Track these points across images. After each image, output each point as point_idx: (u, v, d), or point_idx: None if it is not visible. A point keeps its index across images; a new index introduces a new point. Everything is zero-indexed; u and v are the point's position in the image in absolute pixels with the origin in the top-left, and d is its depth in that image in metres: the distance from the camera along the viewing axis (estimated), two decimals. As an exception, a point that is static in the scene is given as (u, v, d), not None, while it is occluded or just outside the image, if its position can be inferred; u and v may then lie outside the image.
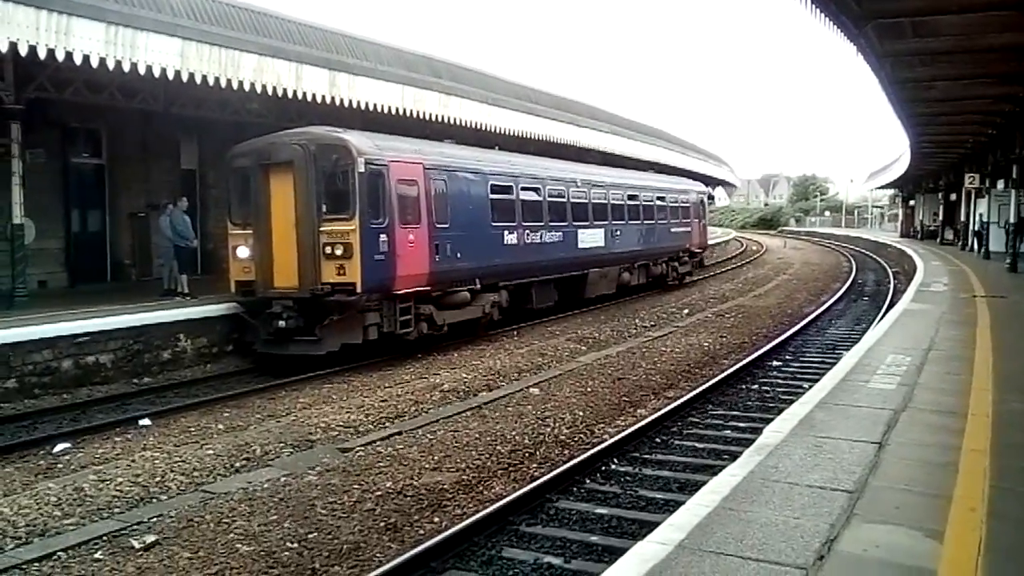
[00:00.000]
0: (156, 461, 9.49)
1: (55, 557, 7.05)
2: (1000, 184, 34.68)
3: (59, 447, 10.41)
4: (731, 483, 6.13)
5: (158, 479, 8.92)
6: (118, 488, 8.61)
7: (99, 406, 12.85)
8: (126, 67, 14.37)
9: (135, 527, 7.65)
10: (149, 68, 14.72)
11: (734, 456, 7.43)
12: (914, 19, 16.06)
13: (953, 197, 48.74)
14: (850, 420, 7.97)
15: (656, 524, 5.72)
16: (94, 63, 13.90)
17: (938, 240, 50.44)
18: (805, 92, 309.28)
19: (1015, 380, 10.00)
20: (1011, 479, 6.30)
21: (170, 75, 15.14)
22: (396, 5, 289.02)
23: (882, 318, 18.45)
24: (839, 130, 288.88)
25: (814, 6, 12.78)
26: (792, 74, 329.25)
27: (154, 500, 8.43)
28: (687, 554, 4.88)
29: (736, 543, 5.02)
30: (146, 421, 11.67)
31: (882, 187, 76.10)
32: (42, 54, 13.21)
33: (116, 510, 8.12)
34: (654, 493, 8.64)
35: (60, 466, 9.70)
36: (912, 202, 67.01)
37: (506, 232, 19.29)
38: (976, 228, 38.07)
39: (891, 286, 29.40)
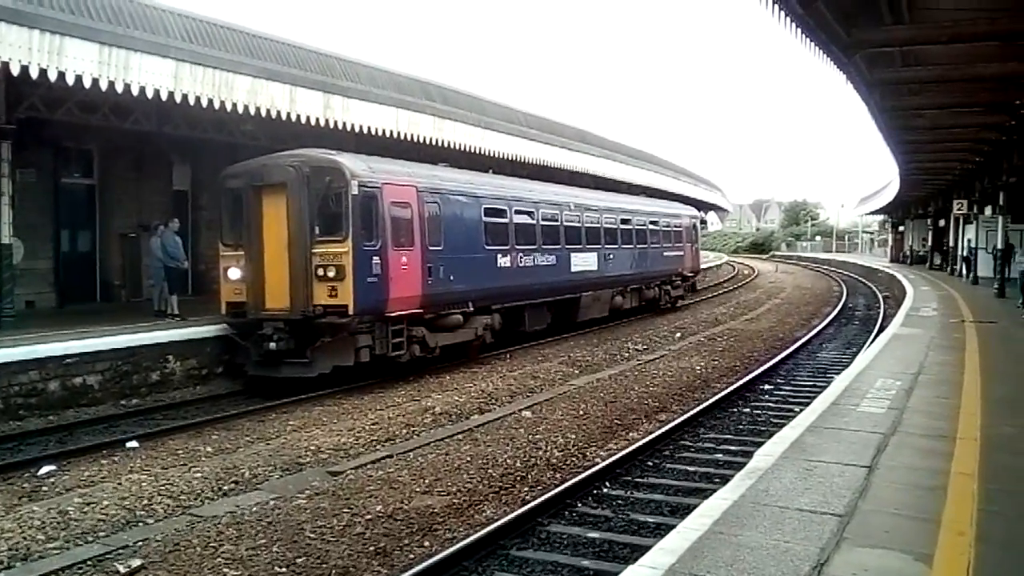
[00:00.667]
0: (143, 484, 9.41)
1: (39, 581, 6.99)
2: (988, 210, 34.91)
3: (44, 469, 10.32)
4: (722, 507, 6.12)
5: (144, 502, 8.85)
6: (104, 511, 8.54)
7: (86, 428, 12.76)
8: (119, 88, 14.38)
9: (120, 551, 7.58)
10: (142, 89, 14.72)
11: (725, 479, 7.43)
12: (903, 48, 16.21)
13: (942, 223, 49.01)
14: (840, 444, 7.97)
15: (647, 548, 5.70)
16: (87, 83, 13.91)
17: (927, 265, 50.69)
18: (796, 118, 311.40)
19: (1003, 404, 10.04)
20: (999, 503, 6.31)
21: (163, 96, 15.14)
22: (388, 27, 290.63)
23: (872, 342, 18.49)
24: (830, 156, 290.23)
25: (804, 35, 12.88)
26: (784, 100, 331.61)
27: (140, 523, 8.37)
28: (677, 578, 4.86)
29: (727, 567, 5.01)
30: (133, 443, 11.59)
31: (872, 213, 76.58)
32: (34, 74, 13.20)
33: (101, 534, 8.05)
34: (646, 517, 8.61)
35: (45, 489, 9.61)
36: (901, 228, 67.42)
37: (499, 255, 19.31)
38: (964, 254, 38.28)
39: (881, 310, 29.50)
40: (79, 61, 13.66)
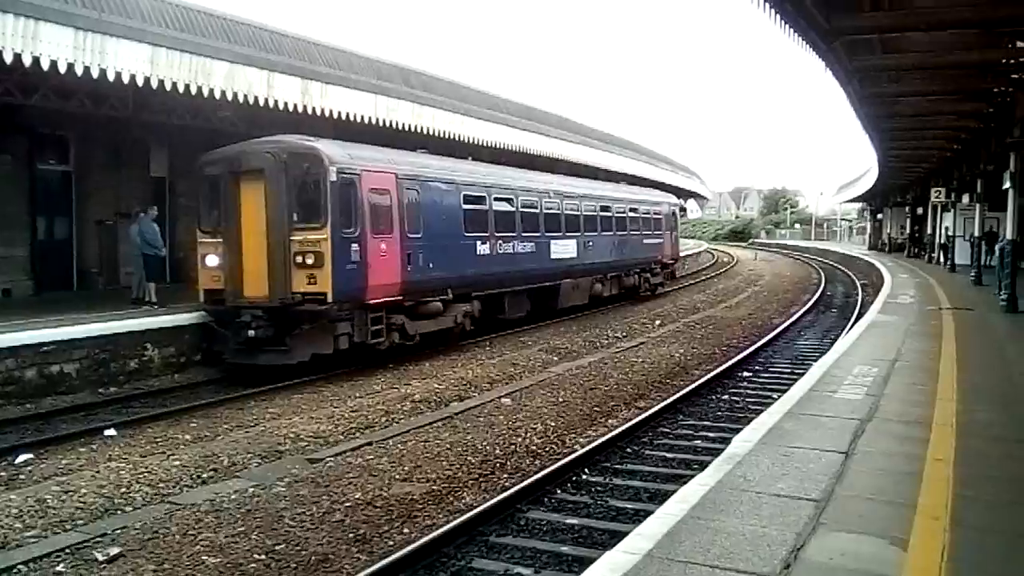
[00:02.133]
0: (121, 472, 9.37)
1: (15, 570, 6.95)
2: (965, 198, 35.17)
3: (21, 458, 10.24)
4: (700, 492, 6.16)
5: (123, 490, 8.81)
6: (82, 499, 8.50)
7: (63, 416, 12.65)
8: (95, 73, 14.21)
9: (99, 539, 7.54)
10: (118, 74, 14.56)
11: (704, 466, 7.47)
12: (882, 36, 16.25)
13: (920, 211, 49.37)
14: (818, 430, 8.03)
15: (626, 534, 5.73)
16: (62, 69, 13.74)
17: (905, 253, 51.05)
18: (776, 106, 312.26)
19: (979, 391, 10.15)
20: (974, 487, 6.38)
21: (140, 82, 15.00)
22: (367, 13, 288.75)
23: (850, 329, 18.62)
24: (809, 144, 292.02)
25: (783, 22, 12.86)
26: (763, 88, 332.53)
27: (119, 512, 8.32)
28: (655, 563, 4.90)
29: (704, 552, 5.04)
30: (111, 431, 11.51)
31: (851, 200, 76.94)
32: (8, 59, 13.01)
33: (79, 522, 8.00)
34: (624, 503, 8.65)
35: (22, 477, 9.56)
36: (880, 215, 67.85)
37: (479, 242, 19.30)
38: (942, 242, 38.58)
39: (859, 298, 29.69)
40: (54, 46, 13.48)
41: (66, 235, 21.02)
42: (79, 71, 14.00)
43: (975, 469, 6.86)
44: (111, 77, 14.51)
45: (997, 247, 22.23)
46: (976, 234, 28.90)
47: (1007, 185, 20.69)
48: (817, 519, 5.61)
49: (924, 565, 4.94)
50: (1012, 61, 17.81)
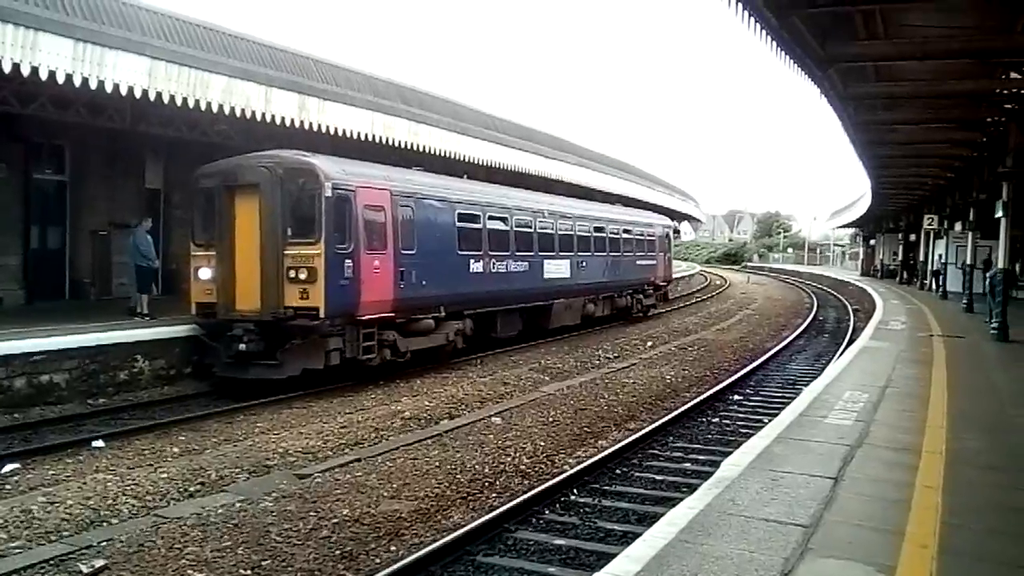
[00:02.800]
0: (108, 484, 9.32)
1: (-1, 581, 6.89)
2: (958, 226, 35.37)
3: (7, 468, 10.17)
4: (688, 516, 6.16)
5: (109, 502, 8.76)
6: (68, 511, 8.43)
7: (51, 426, 12.59)
8: (93, 84, 14.22)
9: (84, 551, 7.49)
10: (116, 86, 14.56)
11: (693, 488, 7.46)
12: (877, 63, 16.42)
13: (912, 237, 49.55)
14: (807, 455, 8.04)
15: (614, 556, 5.72)
16: (60, 79, 13.74)
17: (897, 279, 51.21)
18: (771, 130, 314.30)
19: (969, 418, 10.17)
20: (962, 516, 6.39)
21: (137, 94, 15.00)
22: (362, 28, 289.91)
23: (841, 355, 18.66)
24: (803, 169, 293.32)
25: (779, 49, 12.99)
26: (759, 112, 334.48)
27: (105, 524, 8.27)
28: (642, 586, 4.88)
29: (691, 576, 5.03)
30: (99, 443, 11.45)
31: (844, 226, 77.33)
32: (7, 68, 13.00)
33: (65, 533, 7.95)
34: (613, 524, 8.62)
35: (8, 487, 9.48)
36: (872, 241, 68.12)
37: (472, 260, 19.31)
38: (934, 268, 38.74)
39: (851, 323, 29.77)
40: (53, 56, 13.49)
41: (59, 245, 20.97)
42: (77, 82, 14.01)
43: (964, 497, 6.87)
44: (109, 88, 14.53)
45: (987, 275, 22.30)
46: (968, 262, 28.98)
47: (999, 214, 20.81)
48: (805, 544, 5.60)
49: (911, 593, 4.93)
50: (1005, 91, 18.02)
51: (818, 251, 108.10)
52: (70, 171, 21.05)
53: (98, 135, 19.89)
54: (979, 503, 6.84)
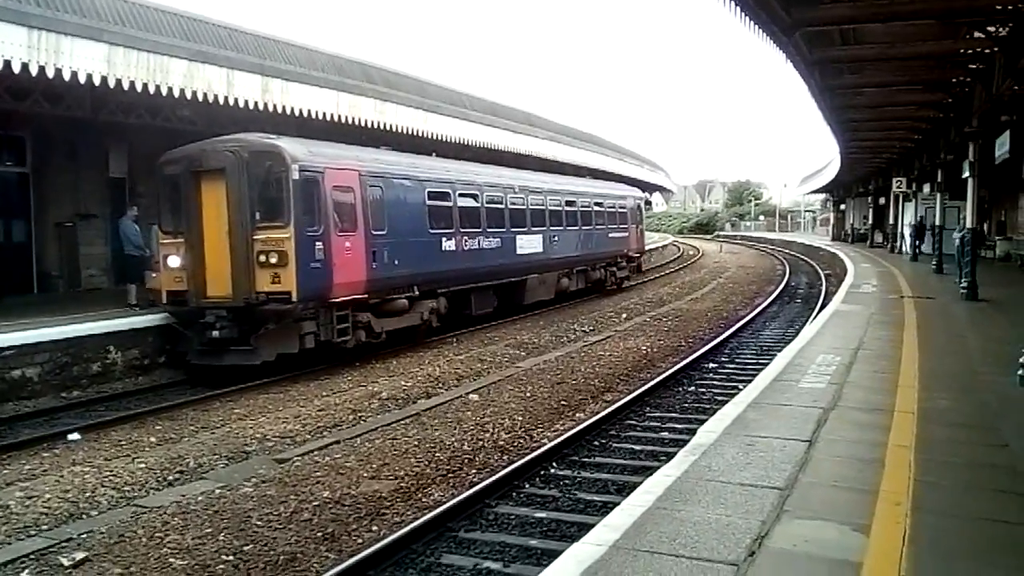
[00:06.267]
0: (86, 476, 9.26)
1: (-22, 577, 6.84)
2: (926, 188, 35.68)
3: (-18, 464, 10.08)
4: (665, 483, 6.21)
5: (88, 494, 8.71)
6: (46, 504, 8.39)
7: (26, 421, 12.47)
8: (50, 73, 13.95)
9: (64, 544, 7.46)
10: (75, 73, 14.30)
11: (670, 456, 7.51)
12: (842, 27, 16.45)
13: (882, 201, 50.01)
14: (781, 419, 8.12)
15: (594, 526, 5.75)
16: (16, 68, 13.47)
17: (868, 243, 51.66)
18: (739, 99, 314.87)
19: (940, 378, 10.30)
20: (934, 473, 6.48)
21: (96, 81, 14.74)
22: (328, 10, 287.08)
23: (814, 319, 18.82)
24: (773, 136, 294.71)
25: (743, 14, 12.97)
26: (726, 82, 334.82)
27: (84, 516, 8.23)
28: (622, 554, 4.92)
29: (669, 542, 5.08)
30: (75, 435, 11.35)
31: (814, 192, 77.80)
32: (-41, 59, 12.80)
33: (44, 527, 7.91)
34: (592, 495, 8.69)
35: (-16, 484, 9.40)
36: (843, 206, 68.68)
37: (444, 239, 19.26)
38: (908, 231, 39.11)
39: (823, 288, 30.02)
40: (7, 45, 13.21)
41: (24, 238, 20.65)
42: (34, 71, 13.72)
43: (936, 455, 6.96)
44: (67, 76, 14.25)
45: (955, 235, 22.51)
46: (937, 223, 29.17)
47: (966, 174, 21.00)
48: (781, 507, 5.67)
49: (885, 549, 5.01)
50: (970, 51, 18.10)
51: (789, 218, 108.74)
52: (31, 162, 20.66)
53: (59, 125, 19.55)
54: (951, 460, 6.94)
